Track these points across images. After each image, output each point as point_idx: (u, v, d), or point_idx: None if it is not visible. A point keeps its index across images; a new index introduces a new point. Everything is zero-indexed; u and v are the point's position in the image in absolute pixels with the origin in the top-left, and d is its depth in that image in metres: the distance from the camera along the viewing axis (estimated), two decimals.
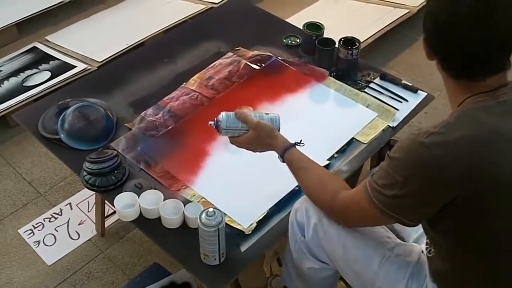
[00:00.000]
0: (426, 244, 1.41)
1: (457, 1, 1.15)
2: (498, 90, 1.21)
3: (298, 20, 2.58)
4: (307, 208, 1.51)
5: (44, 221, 2.29)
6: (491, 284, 1.30)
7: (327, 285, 1.64)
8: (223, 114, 1.56)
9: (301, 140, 1.55)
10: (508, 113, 1.20)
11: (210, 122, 1.58)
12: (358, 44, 2.03)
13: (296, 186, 1.66)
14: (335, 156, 1.79)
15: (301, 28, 2.18)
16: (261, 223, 1.61)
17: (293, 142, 1.54)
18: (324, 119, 1.92)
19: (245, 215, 1.62)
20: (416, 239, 1.57)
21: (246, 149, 1.58)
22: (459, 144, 1.16)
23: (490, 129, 1.18)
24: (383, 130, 1.87)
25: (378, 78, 2.06)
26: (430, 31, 1.23)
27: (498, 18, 1.14)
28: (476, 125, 1.18)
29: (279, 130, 1.57)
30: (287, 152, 1.51)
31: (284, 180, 1.66)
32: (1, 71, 2.82)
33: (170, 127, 1.89)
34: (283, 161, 1.52)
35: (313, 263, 1.56)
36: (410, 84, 2.03)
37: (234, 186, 1.70)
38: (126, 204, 1.62)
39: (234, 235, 1.57)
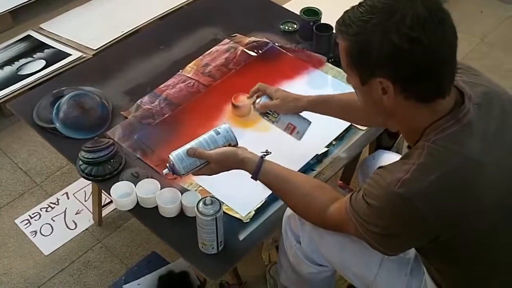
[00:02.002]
0: None
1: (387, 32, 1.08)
2: (457, 110, 1.16)
3: (295, 5, 2.55)
4: None
5: (41, 211, 2.28)
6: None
7: (326, 284, 1.63)
8: (173, 157, 1.45)
9: (266, 150, 1.47)
10: (475, 135, 1.15)
11: (164, 171, 1.49)
12: None
13: None
14: (334, 143, 1.77)
15: (298, 13, 2.16)
16: (259, 211, 1.60)
17: (260, 155, 1.44)
18: None
19: (243, 203, 1.61)
20: None
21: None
22: (436, 188, 1.11)
23: (463, 160, 1.13)
24: None
25: None
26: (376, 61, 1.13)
27: (430, 39, 1.08)
28: (447, 161, 1.13)
29: (237, 143, 1.49)
30: (260, 174, 1.42)
31: None
32: None
33: (166, 115, 1.87)
34: (256, 181, 1.45)
35: (312, 268, 1.54)
36: None
37: (231, 174, 1.67)
38: (122, 193, 1.61)
39: (232, 223, 1.56)
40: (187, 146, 1.47)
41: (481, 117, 1.17)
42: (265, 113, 1.68)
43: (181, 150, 1.47)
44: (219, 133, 1.49)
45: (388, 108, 1.18)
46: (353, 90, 1.27)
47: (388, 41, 1.08)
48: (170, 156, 1.47)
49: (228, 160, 1.45)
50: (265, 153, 1.46)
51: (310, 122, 1.66)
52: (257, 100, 1.69)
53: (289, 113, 1.66)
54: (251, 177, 1.44)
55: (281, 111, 1.65)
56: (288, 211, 1.54)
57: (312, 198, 1.38)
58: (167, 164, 1.49)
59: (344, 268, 1.50)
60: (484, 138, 1.16)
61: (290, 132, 1.66)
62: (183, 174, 1.48)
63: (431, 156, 1.13)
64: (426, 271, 1.38)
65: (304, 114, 1.68)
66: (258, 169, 1.42)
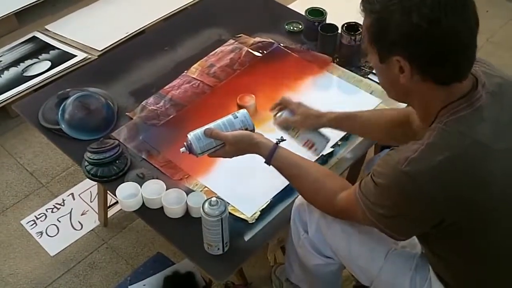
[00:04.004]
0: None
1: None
2: (471, 94, 1.17)
3: (300, 6, 2.55)
4: (309, 204, 1.49)
5: (47, 211, 2.28)
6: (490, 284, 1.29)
7: (332, 278, 1.63)
8: (191, 136, 1.49)
9: (281, 137, 1.49)
10: (486, 121, 1.15)
11: (181, 149, 1.51)
12: (361, 30, 2.00)
13: None
14: (339, 143, 1.77)
15: (303, 14, 2.16)
16: (264, 212, 1.59)
17: (274, 141, 1.47)
18: (327, 106, 1.89)
19: (248, 204, 1.60)
20: None
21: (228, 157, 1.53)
22: (443, 168, 1.12)
23: (472, 144, 1.13)
24: None
25: None
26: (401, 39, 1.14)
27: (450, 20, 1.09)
28: (456, 142, 1.13)
29: (253, 129, 1.51)
30: (273, 159, 1.44)
31: None
32: (1, 61, 2.79)
33: (171, 116, 1.87)
34: (270, 165, 1.46)
35: (318, 259, 1.54)
36: None
37: (237, 174, 1.68)
38: (128, 194, 1.61)
39: (237, 224, 1.56)
40: (205, 127, 1.50)
41: (494, 106, 1.18)
42: (285, 126, 1.67)
43: (199, 130, 1.49)
44: (237, 117, 1.51)
45: (405, 88, 1.20)
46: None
47: (407, 20, 1.10)
48: (188, 135, 1.50)
49: (244, 142, 1.47)
50: (279, 140, 1.48)
51: (329, 140, 1.68)
52: (278, 114, 1.68)
53: (309, 129, 1.66)
54: (265, 162, 1.46)
55: (301, 127, 1.65)
56: (297, 201, 1.54)
57: (322, 184, 1.40)
58: (185, 143, 1.51)
59: (349, 260, 1.50)
60: (496, 126, 1.16)
61: (309, 148, 1.66)
62: (200, 154, 1.50)
63: (440, 137, 1.14)
64: (431, 268, 1.37)
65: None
66: (272, 153, 1.44)
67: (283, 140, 1.49)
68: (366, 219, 1.25)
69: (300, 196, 1.52)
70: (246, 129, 1.51)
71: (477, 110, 1.16)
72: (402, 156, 1.15)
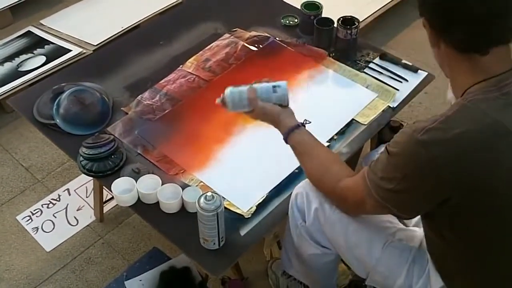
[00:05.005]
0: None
1: None
2: (501, 77, 1.16)
3: None
4: (307, 193, 1.49)
5: (42, 207, 2.28)
6: (491, 274, 1.28)
7: (328, 269, 1.63)
8: (227, 92, 1.51)
9: (305, 120, 1.50)
10: (511, 106, 1.15)
11: (217, 100, 1.54)
12: (357, 24, 2.00)
13: (296, 169, 1.65)
14: (335, 137, 1.76)
15: (299, 7, 2.15)
16: (260, 206, 1.59)
17: (300, 122, 1.49)
18: (323, 101, 1.89)
19: (244, 198, 1.60)
20: (417, 223, 1.55)
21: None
22: (459, 142, 1.11)
23: (492, 123, 1.13)
24: (383, 110, 1.84)
25: (378, 58, 2.04)
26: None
27: None
28: (476, 119, 1.13)
29: (287, 104, 1.52)
30: (289, 137, 1.46)
31: (283, 163, 1.65)
32: None
33: (167, 111, 1.87)
34: (287, 143, 1.48)
35: (315, 249, 1.54)
36: (410, 64, 2.00)
37: (232, 169, 1.68)
38: (123, 189, 1.61)
39: (233, 219, 1.56)
40: (246, 87, 1.52)
41: None
42: None
43: (237, 90, 1.51)
44: (276, 92, 1.52)
45: (437, 54, 1.23)
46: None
47: None
48: (226, 91, 1.52)
49: (270, 116, 1.50)
50: (303, 123, 1.49)
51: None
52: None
53: None
54: (283, 138, 1.48)
55: None
56: (296, 190, 1.54)
57: (330, 166, 1.42)
58: (222, 95, 1.53)
59: (346, 251, 1.50)
60: None
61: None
62: (231, 110, 1.53)
63: (461, 111, 1.15)
64: (430, 259, 1.37)
65: None
66: (289, 132, 1.46)
67: (308, 122, 1.50)
68: (370, 201, 1.24)
69: (299, 184, 1.53)
70: (280, 105, 1.52)
71: (504, 94, 1.15)
72: (419, 126, 1.15)
